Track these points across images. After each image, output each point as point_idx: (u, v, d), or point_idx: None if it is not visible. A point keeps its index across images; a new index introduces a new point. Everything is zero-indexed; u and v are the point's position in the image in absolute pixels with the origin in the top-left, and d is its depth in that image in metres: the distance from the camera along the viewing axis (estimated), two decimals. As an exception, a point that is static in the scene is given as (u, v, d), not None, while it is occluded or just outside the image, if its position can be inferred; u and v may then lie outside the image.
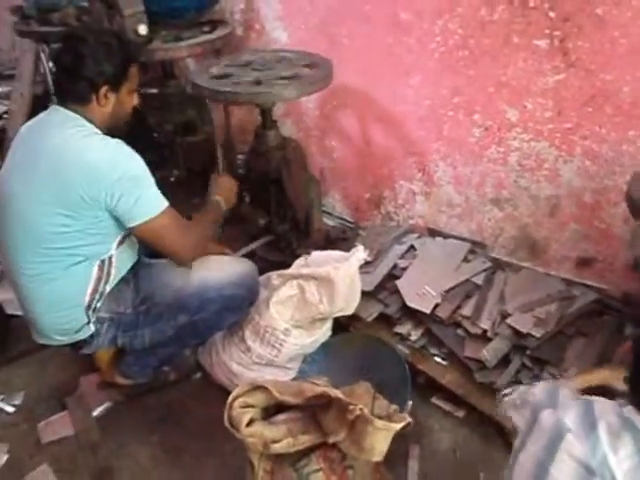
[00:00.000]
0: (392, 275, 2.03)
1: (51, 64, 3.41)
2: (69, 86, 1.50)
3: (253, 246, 2.21)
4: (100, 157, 1.46)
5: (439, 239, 2.19)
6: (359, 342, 1.85)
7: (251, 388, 1.34)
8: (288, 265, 1.92)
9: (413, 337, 1.86)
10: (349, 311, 1.77)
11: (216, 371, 1.86)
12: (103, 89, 1.52)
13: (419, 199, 2.30)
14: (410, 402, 1.63)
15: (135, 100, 1.64)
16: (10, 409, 1.90)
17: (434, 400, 1.80)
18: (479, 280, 1.95)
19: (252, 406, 1.32)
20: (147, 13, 2.11)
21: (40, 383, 2.00)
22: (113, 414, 1.87)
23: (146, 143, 2.58)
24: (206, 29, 2.45)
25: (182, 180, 2.62)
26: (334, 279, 1.66)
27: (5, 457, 1.73)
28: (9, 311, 2.23)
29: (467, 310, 1.83)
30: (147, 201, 1.51)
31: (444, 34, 1.93)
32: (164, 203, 1.53)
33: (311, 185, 2.15)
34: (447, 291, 1.89)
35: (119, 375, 1.87)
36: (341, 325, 1.93)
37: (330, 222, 2.62)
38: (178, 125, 2.54)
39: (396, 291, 1.96)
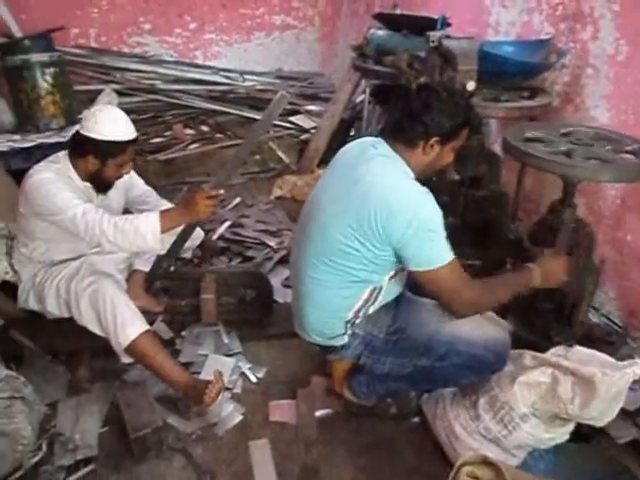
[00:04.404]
0: (660, 403, 1.77)
1: (366, 96, 3.83)
2: (406, 127, 1.63)
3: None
4: (407, 201, 1.55)
5: None
6: (601, 461, 1.65)
7: (482, 460, 1.30)
8: (538, 347, 1.82)
9: (670, 483, 1.59)
10: (599, 423, 1.60)
11: (437, 424, 1.85)
12: (433, 139, 1.61)
13: None
14: None
15: (451, 159, 1.71)
16: (253, 379, 2.16)
17: None
18: None
19: (478, 478, 1.28)
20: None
21: (280, 366, 2.24)
22: (331, 422, 1.99)
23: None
24: (525, 94, 2.48)
25: (455, 229, 2.67)
26: (597, 384, 1.51)
27: (239, 417, 1.99)
28: (275, 297, 2.56)
29: None
30: (434, 252, 1.56)
31: None
32: (450, 256, 1.57)
33: (590, 274, 1.99)
34: None
35: (348, 390, 1.99)
36: (580, 432, 1.75)
37: (594, 318, 2.40)
38: (466, 177, 2.60)
39: (661, 423, 1.70)
